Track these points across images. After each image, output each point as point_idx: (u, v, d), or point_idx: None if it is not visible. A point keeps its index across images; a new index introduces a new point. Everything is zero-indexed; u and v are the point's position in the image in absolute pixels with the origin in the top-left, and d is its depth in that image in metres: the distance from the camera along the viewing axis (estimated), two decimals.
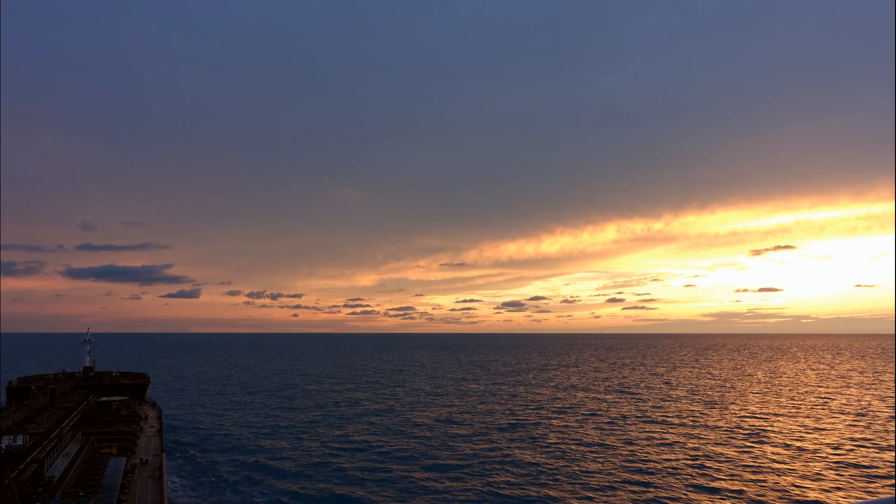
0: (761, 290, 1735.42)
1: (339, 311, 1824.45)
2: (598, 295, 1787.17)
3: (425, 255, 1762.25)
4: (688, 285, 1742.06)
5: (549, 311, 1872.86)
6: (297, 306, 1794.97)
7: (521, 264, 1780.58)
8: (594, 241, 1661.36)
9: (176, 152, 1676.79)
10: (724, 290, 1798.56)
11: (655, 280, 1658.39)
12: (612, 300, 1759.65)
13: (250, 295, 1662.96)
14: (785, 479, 69.23)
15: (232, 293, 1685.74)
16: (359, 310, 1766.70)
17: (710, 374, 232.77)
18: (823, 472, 72.56)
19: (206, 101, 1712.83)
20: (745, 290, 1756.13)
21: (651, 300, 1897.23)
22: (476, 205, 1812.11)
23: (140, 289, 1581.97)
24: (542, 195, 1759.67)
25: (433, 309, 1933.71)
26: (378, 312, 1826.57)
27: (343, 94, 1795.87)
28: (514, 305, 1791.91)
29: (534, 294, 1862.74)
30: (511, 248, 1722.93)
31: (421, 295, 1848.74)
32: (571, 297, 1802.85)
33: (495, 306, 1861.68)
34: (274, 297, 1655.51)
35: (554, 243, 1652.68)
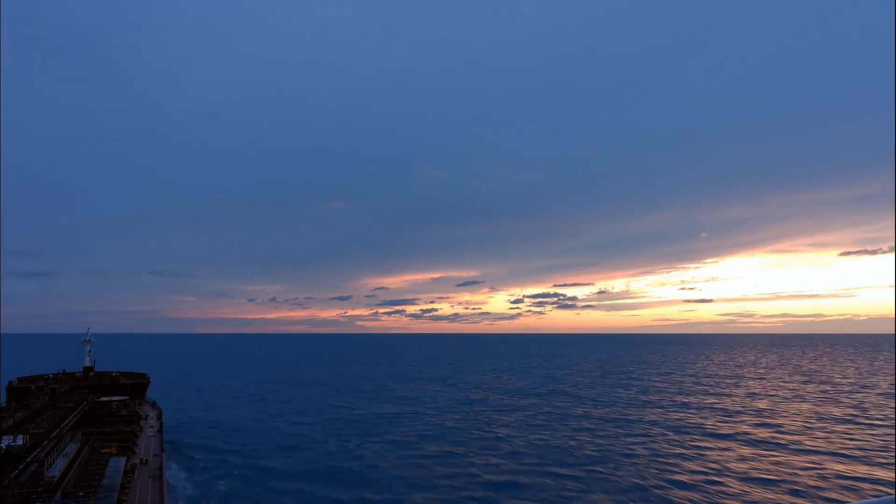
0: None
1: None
2: (665, 288, 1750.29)
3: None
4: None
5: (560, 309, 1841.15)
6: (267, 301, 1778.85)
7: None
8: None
9: None
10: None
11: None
12: (683, 289, 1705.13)
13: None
14: (783, 479, 69.23)
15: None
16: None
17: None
18: (822, 473, 72.55)
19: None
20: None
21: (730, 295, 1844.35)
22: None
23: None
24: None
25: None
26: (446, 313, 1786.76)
27: None
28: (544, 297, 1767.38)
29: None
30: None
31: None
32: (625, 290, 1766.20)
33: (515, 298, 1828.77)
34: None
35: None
